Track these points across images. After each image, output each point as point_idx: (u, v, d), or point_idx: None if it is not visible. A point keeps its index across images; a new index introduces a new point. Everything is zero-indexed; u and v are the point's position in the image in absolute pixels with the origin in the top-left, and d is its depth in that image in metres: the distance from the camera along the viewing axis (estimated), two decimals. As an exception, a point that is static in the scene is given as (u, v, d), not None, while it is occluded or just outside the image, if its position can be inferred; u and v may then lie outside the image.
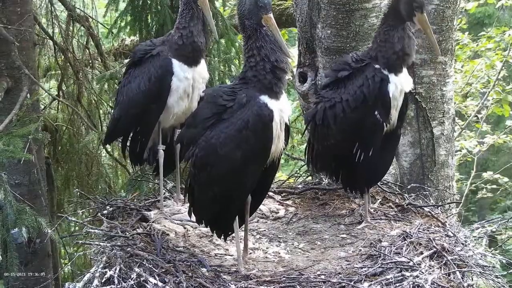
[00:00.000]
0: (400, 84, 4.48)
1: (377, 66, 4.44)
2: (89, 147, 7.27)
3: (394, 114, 4.58)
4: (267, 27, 3.78)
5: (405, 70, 4.52)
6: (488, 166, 14.12)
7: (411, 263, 3.95)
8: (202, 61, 4.72)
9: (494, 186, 11.68)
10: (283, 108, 3.82)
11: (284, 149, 4.00)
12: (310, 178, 5.64)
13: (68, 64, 7.50)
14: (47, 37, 7.47)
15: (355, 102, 4.47)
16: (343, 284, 3.77)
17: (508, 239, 9.18)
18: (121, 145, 5.14)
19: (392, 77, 4.45)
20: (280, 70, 3.76)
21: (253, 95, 3.76)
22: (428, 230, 4.45)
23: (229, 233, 4.16)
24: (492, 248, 5.94)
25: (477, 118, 11.00)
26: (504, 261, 4.52)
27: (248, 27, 3.81)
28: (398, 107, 4.58)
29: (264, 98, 3.76)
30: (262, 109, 3.73)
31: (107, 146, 7.58)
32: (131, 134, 4.89)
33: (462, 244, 4.33)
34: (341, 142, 4.59)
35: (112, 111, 5.23)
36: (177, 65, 4.60)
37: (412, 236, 4.31)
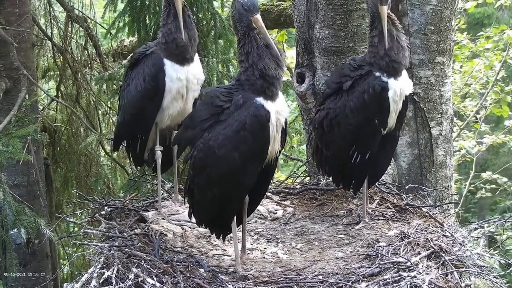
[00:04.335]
0: (400, 88, 4.50)
1: (377, 73, 4.46)
2: (88, 148, 7.26)
3: (393, 117, 4.59)
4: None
5: (404, 72, 4.54)
6: (487, 166, 14.13)
7: (408, 263, 3.96)
8: (196, 61, 4.71)
9: (493, 186, 11.69)
10: (280, 110, 3.84)
11: (280, 152, 4.01)
12: (308, 178, 5.65)
13: (67, 65, 7.50)
14: (46, 38, 7.47)
15: (358, 110, 4.51)
16: (341, 284, 3.79)
17: (507, 239, 9.18)
18: (125, 148, 5.13)
19: (391, 82, 4.46)
20: (269, 77, 3.77)
21: (249, 97, 3.78)
22: (426, 231, 4.46)
23: (228, 233, 4.17)
24: (491, 249, 5.95)
25: (476, 118, 11.01)
26: (502, 261, 4.52)
27: (239, 30, 3.83)
28: (398, 110, 4.59)
29: (260, 100, 3.77)
30: (259, 110, 3.74)
31: (106, 147, 7.59)
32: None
33: (460, 244, 4.34)
34: (344, 147, 4.63)
35: (117, 116, 5.24)
36: (169, 65, 4.61)
37: (409, 236, 4.33)
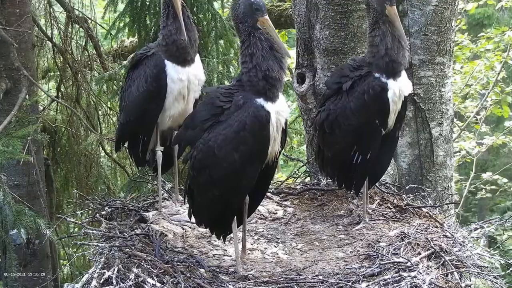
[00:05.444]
0: (399, 89, 4.50)
1: (376, 74, 4.47)
2: (88, 148, 7.26)
3: (392, 117, 4.60)
4: (263, 29, 3.79)
5: (403, 73, 4.54)
6: (487, 167, 14.13)
7: (409, 264, 3.96)
8: (197, 62, 4.71)
9: (493, 187, 11.69)
10: (280, 111, 3.84)
11: (280, 152, 4.01)
12: (308, 179, 5.65)
13: (67, 65, 7.50)
14: (46, 39, 7.48)
15: (358, 111, 4.52)
16: (341, 285, 3.79)
17: (507, 239, 9.18)
18: (127, 149, 5.13)
19: (391, 83, 4.47)
20: (272, 79, 3.77)
21: (249, 97, 3.78)
22: (426, 231, 4.46)
23: (228, 233, 4.16)
24: (491, 249, 5.95)
25: (476, 119, 11.01)
26: (503, 261, 4.52)
27: (242, 31, 3.82)
28: (397, 110, 4.60)
29: (261, 101, 3.77)
30: (259, 111, 3.74)
31: (107, 147, 7.60)
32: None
33: (460, 244, 4.34)
34: (345, 148, 4.64)
35: (118, 116, 5.24)
36: (170, 66, 4.62)
37: (410, 236, 4.33)
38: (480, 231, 4.81)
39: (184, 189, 4.20)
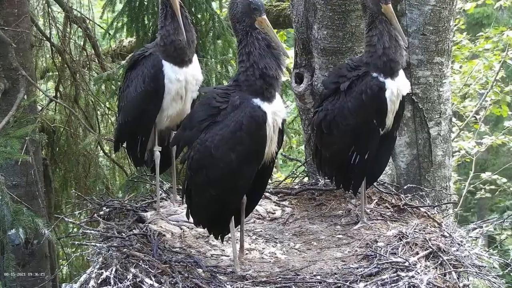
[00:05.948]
0: (397, 88, 4.51)
1: (374, 74, 4.47)
2: (87, 148, 7.26)
3: (390, 117, 4.60)
4: (261, 29, 3.79)
5: (401, 73, 4.54)
6: (487, 166, 14.14)
7: (406, 263, 3.96)
8: (195, 62, 4.71)
9: (493, 187, 11.70)
10: (277, 111, 3.84)
11: (277, 153, 4.01)
12: (306, 179, 5.65)
13: (65, 65, 7.50)
14: (44, 39, 7.48)
15: (356, 111, 4.52)
16: (339, 285, 3.79)
17: (505, 239, 9.19)
18: (126, 149, 5.13)
19: (388, 82, 4.48)
20: (269, 77, 3.76)
21: (246, 97, 3.78)
22: (424, 231, 4.46)
23: (226, 233, 4.17)
24: (490, 248, 5.95)
25: (476, 118, 11.01)
26: (501, 261, 4.52)
27: (239, 30, 3.82)
28: (395, 110, 4.60)
29: (257, 101, 3.77)
30: (255, 111, 3.74)
31: (105, 147, 7.60)
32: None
33: (458, 244, 4.35)
34: (343, 148, 4.64)
35: (117, 117, 5.25)
36: (168, 66, 4.61)
37: (408, 236, 4.33)
38: (479, 231, 4.81)
39: (182, 189, 4.20)
